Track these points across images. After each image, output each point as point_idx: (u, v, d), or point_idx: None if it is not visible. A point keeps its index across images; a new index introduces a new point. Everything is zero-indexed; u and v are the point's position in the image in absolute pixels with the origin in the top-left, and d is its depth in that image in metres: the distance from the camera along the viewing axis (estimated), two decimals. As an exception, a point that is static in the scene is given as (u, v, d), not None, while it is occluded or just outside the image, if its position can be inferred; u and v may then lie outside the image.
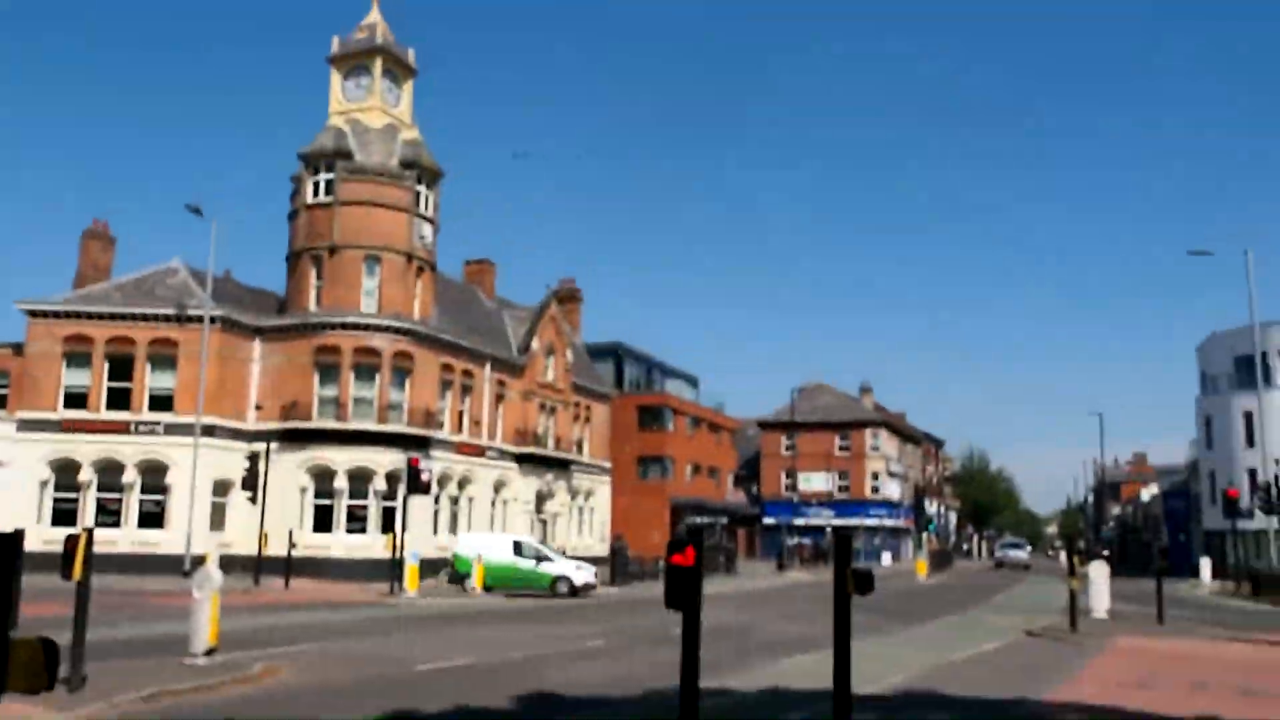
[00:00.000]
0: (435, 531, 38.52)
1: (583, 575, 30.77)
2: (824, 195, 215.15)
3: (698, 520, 61.68)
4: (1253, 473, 47.98)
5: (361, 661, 13.69)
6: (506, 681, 11.91)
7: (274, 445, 33.04)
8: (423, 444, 36.49)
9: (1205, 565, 52.54)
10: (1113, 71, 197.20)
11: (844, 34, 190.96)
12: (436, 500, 38.53)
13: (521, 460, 44.67)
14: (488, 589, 29.78)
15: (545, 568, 30.67)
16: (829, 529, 68.00)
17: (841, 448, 77.70)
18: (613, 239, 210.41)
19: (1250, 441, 52.57)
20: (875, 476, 77.73)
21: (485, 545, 31.63)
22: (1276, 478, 38.95)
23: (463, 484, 40.70)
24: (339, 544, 34.95)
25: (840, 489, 77.01)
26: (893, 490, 79.52)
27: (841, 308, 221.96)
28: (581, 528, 51.05)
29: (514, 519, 44.16)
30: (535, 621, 20.77)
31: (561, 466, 47.96)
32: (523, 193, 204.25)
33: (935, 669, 14.13)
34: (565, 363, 49.00)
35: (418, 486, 28.46)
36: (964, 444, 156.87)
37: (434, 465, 35.20)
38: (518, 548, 31.74)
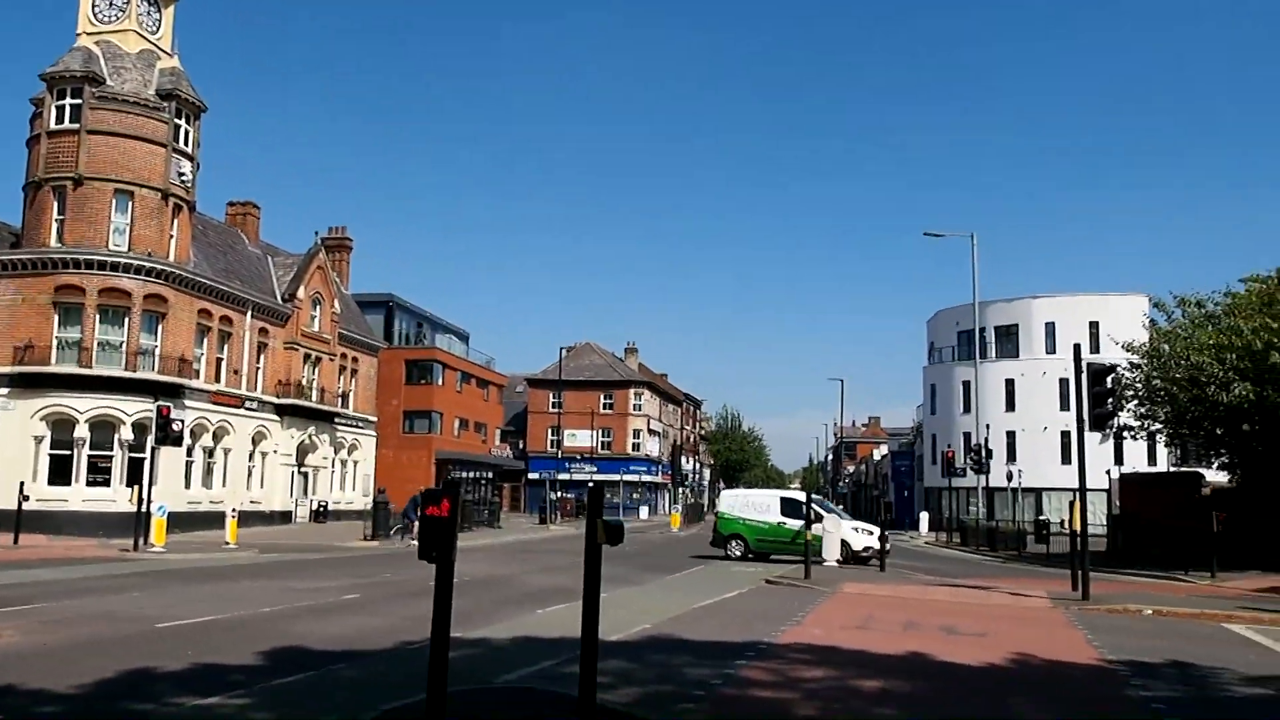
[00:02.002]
0: (188, 485, 37.02)
1: (860, 539, 27.55)
2: (597, 159, 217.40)
3: (462, 474, 61.93)
4: (968, 436, 53.21)
5: (97, 620, 13.04)
6: (253, 636, 11.70)
7: (5, 390, 30.68)
8: (175, 392, 34.88)
9: (924, 519, 58.18)
10: (884, 59, 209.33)
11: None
12: (190, 452, 37.00)
13: (283, 412, 43.44)
14: (752, 555, 27.84)
15: (815, 530, 26.53)
16: (591, 484, 70.04)
17: (606, 406, 79.85)
18: (387, 189, 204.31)
19: (967, 408, 58.31)
20: (637, 434, 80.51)
21: (748, 503, 28.55)
22: (986, 441, 43.66)
23: (219, 435, 39.20)
24: (78, 497, 32.94)
25: (603, 445, 79.27)
26: (653, 447, 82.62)
27: (612, 270, 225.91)
28: (344, 481, 50.26)
29: (273, 472, 43.00)
30: (291, 575, 20.53)
31: (325, 419, 46.95)
32: (292, 136, 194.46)
33: (680, 616, 14.98)
34: (333, 313, 47.80)
35: (168, 437, 27.28)
36: (721, 405, 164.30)
37: (187, 415, 33.77)
38: (788, 506, 28.22)
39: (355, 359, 51.42)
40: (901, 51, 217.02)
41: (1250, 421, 26.80)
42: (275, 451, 43.19)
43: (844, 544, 27.09)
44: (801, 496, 27.74)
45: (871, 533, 27.70)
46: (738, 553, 28.38)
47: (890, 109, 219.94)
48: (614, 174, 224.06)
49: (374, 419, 53.65)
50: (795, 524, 26.83)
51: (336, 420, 48.32)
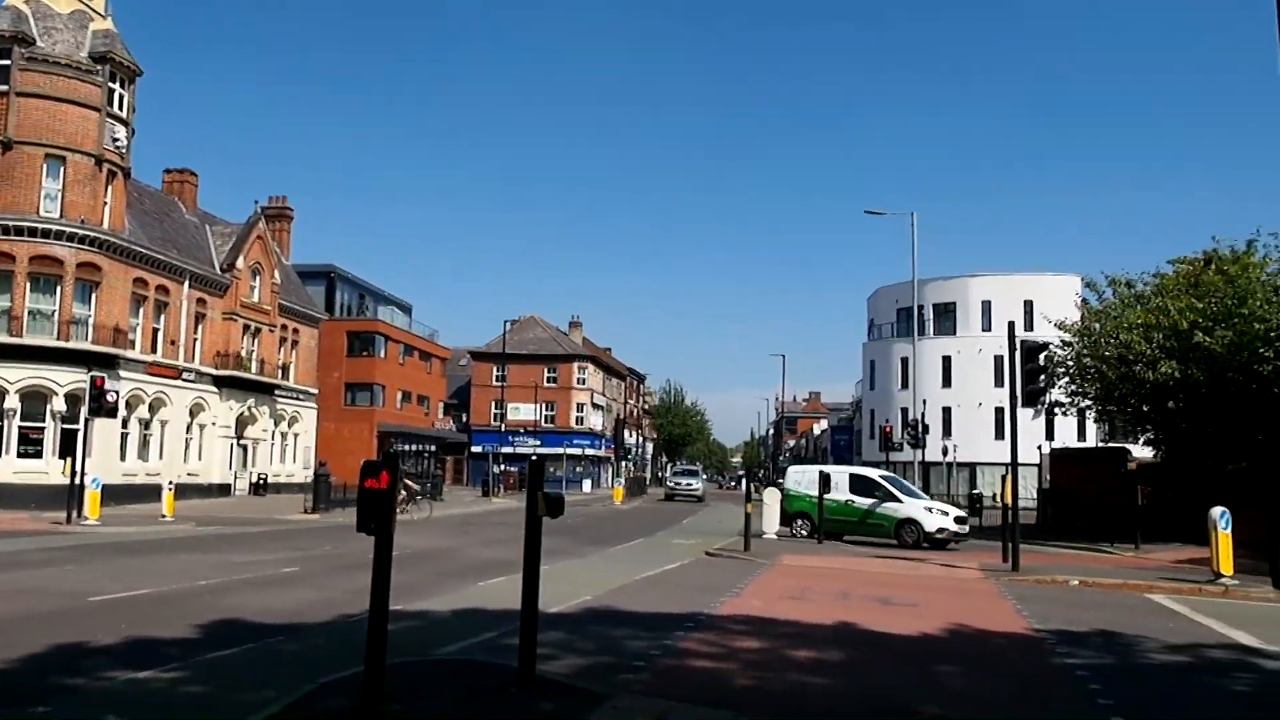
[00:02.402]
0: (123, 458, 36.38)
1: (934, 520, 25.33)
2: (543, 132, 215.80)
3: (404, 447, 61.65)
4: (905, 411, 54.12)
5: (28, 594, 12.75)
6: (189, 610, 11.57)
7: (-70, 360, 29.83)
8: (110, 363, 34.15)
9: (863, 492, 58.92)
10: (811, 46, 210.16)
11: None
12: (125, 424, 36.33)
13: (221, 384, 42.78)
14: (813, 533, 25.99)
15: (888, 509, 25.77)
16: (534, 457, 70.06)
17: (550, 379, 79.77)
18: (329, 159, 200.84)
19: (905, 384, 59.33)
20: (581, 408, 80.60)
21: (816, 480, 26.35)
22: (923, 416, 44.47)
23: (155, 407, 38.51)
24: (9, 469, 32.21)
25: (547, 419, 79.26)
26: (596, 421, 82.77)
27: (558, 245, 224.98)
28: (285, 454, 49.70)
29: (212, 445, 42.42)
30: (228, 549, 20.34)
31: (265, 391, 46.32)
32: (232, 103, 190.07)
33: (622, 588, 15.13)
34: (272, 283, 47.04)
35: (102, 408, 26.76)
36: (664, 380, 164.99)
37: (122, 386, 33.11)
38: (857, 483, 26.67)
39: (296, 330, 50.71)
40: (845, 28, 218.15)
41: (1175, 399, 27.61)
42: (214, 424, 42.55)
43: (914, 525, 25.25)
44: (872, 473, 26.33)
45: (947, 513, 25.31)
46: (804, 532, 26.59)
47: (835, 87, 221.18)
48: (560, 148, 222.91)
49: (315, 391, 53.04)
50: (864, 502, 26.00)
51: (277, 392, 47.69)
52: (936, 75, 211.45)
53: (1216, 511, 17.75)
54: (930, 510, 25.81)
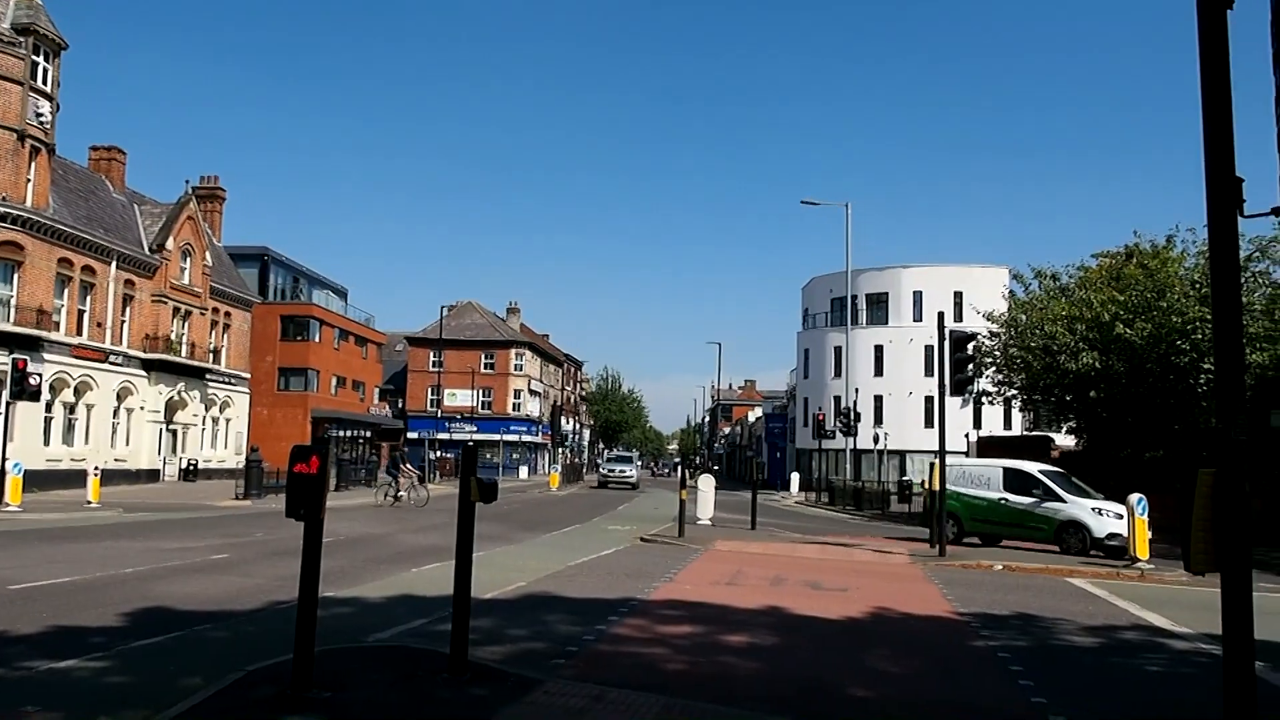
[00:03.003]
0: (47, 442, 35.48)
1: (1105, 524, 21.52)
2: (481, 117, 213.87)
3: (339, 433, 60.99)
4: (838, 399, 54.96)
5: None
6: (115, 598, 11.36)
7: None
8: (33, 345, 33.30)
9: (795, 479, 59.87)
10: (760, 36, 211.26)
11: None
12: (49, 408, 35.43)
13: (150, 367, 41.89)
14: (961, 536, 23.39)
15: (1049, 509, 22.40)
16: (470, 443, 69.83)
17: (487, 365, 79.40)
18: (263, 140, 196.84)
19: (838, 372, 60.18)
20: (518, 394, 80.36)
21: (963, 475, 23.83)
22: (855, 404, 45.18)
23: (81, 391, 37.60)
24: (-78, 454, 31.22)
25: (484, 405, 78.91)
26: (533, 408, 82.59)
27: (496, 230, 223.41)
28: (216, 440, 48.84)
29: (140, 429, 41.52)
30: (157, 536, 19.94)
31: (196, 375, 45.45)
32: (163, 81, 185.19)
33: (557, 573, 15.14)
34: (204, 265, 46.11)
35: (24, 392, 26.04)
36: (602, 366, 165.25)
37: (45, 369, 32.34)
38: (1012, 479, 23.31)
39: (228, 313, 49.79)
40: (783, 14, 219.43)
41: (1096, 388, 28.44)
42: (142, 408, 41.64)
43: (1080, 529, 21.85)
44: (1031, 467, 23.59)
45: (1121, 515, 20.86)
46: (951, 534, 22.44)
47: (775, 73, 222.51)
48: (499, 133, 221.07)
49: (247, 376, 52.15)
50: (1021, 501, 22.85)
51: (208, 376, 46.79)
52: (880, 68, 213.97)
53: (1134, 498, 18.40)
54: (1100, 512, 21.98)
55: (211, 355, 47.19)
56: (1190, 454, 23.47)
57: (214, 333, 48.05)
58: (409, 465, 35.52)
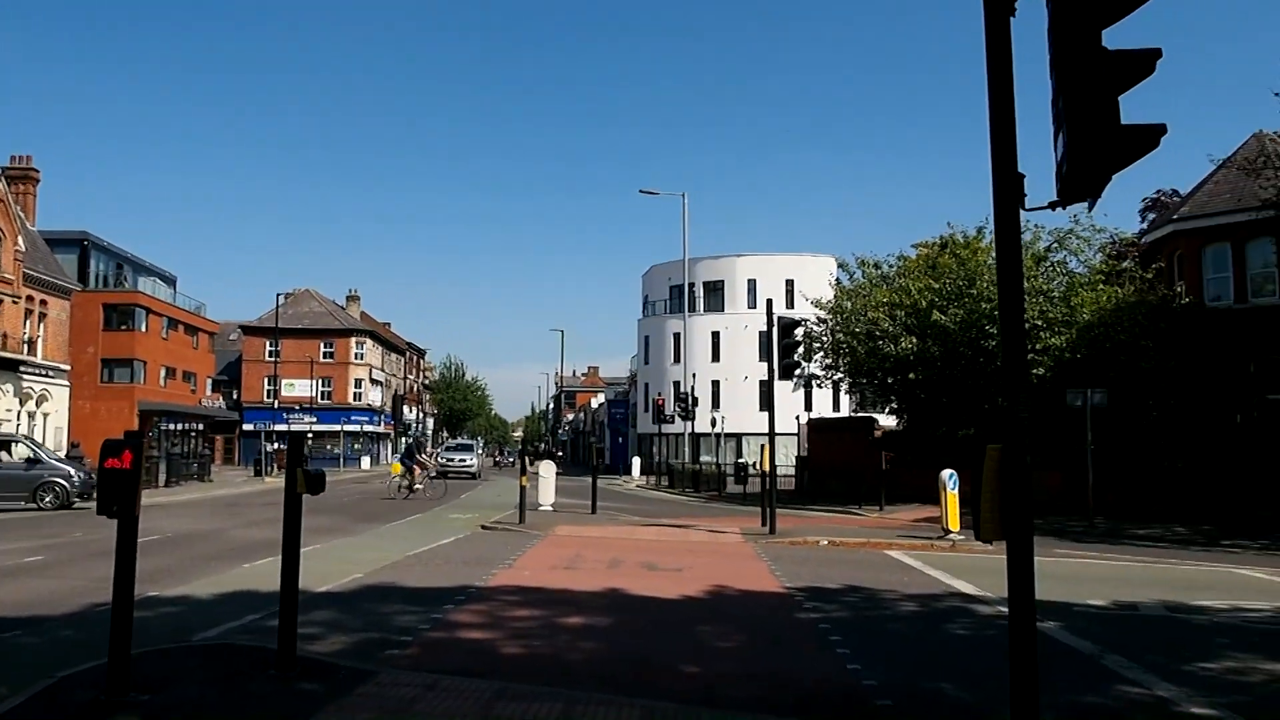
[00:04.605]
0: None
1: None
2: (319, 96, 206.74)
3: (170, 425, 58.39)
4: (677, 385, 55.94)
5: None
6: None
7: None
8: None
9: (636, 463, 60.72)
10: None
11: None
12: None
13: (-45, 360, 38.97)
14: None
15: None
16: (310, 434, 67.81)
17: (326, 355, 77.27)
18: (82, 120, 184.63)
19: (678, 358, 61.27)
20: (359, 384, 78.51)
21: None
22: (693, 389, 46.21)
23: (-128, 387, 34.63)
24: None
25: (324, 395, 76.79)
26: (375, 397, 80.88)
27: (333, 215, 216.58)
28: (33, 436, 45.82)
29: (-60, 427, 38.59)
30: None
31: (9, 368, 42.58)
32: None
33: (395, 564, 15.02)
34: (15, 250, 43.08)
35: None
36: (445, 355, 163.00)
37: None
38: None
39: (44, 302, 46.73)
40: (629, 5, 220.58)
41: (915, 371, 30.01)
42: (-56, 404, 38.73)
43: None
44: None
45: None
46: None
47: (613, 62, 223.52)
48: (336, 114, 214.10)
49: (67, 367, 49.14)
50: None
51: (22, 369, 43.86)
52: (706, 61, 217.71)
53: (946, 474, 19.62)
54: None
55: (26, 346, 44.25)
56: (996, 432, 25.14)
57: (28, 322, 45.06)
58: (424, 456, 33.94)
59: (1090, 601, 12.19)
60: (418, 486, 31.82)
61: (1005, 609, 11.27)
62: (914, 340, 29.23)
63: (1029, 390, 5.37)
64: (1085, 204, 5.24)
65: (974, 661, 8.95)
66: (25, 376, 44.48)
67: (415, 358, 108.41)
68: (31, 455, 27.42)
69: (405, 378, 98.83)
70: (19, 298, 43.64)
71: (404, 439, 37.58)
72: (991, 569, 14.79)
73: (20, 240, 43.68)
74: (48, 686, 6.67)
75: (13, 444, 27.92)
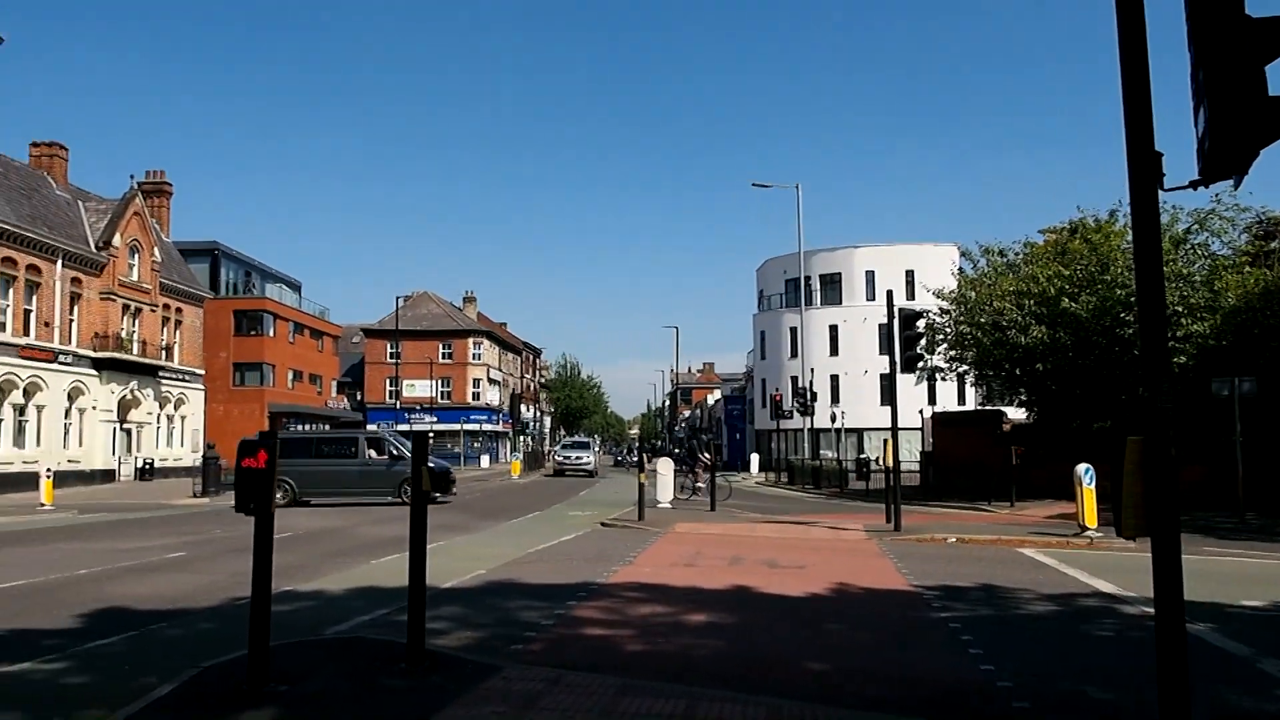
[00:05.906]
0: (-5, 445, 34.94)
1: None
2: (431, 103, 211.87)
3: (297, 427, 60.45)
4: (795, 380, 55.31)
5: None
6: (70, 599, 11.21)
7: None
8: (-23, 348, 32.68)
9: (755, 460, 60.24)
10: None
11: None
12: (-3, 410, 34.89)
13: (101, 366, 41.28)
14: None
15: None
16: (432, 434, 69.58)
17: (445, 355, 79.07)
18: (210, 135, 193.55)
19: (794, 353, 60.56)
20: (477, 383, 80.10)
21: None
22: (811, 384, 45.57)
23: (30, 392, 37.00)
24: None
25: (443, 395, 78.57)
26: (493, 396, 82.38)
27: (450, 219, 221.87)
28: (171, 438, 48.27)
29: (93, 429, 40.93)
30: (113, 536, 19.72)
31: (148, 373, 44.87)
32: (108, 75, 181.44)
33: (517, 560, 15.14)
34: (152, 261, 45.43)
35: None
36: (560, 353, 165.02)
37: (-9, 371, 31.73)
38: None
39: (179, 310, 49.14)
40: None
41: (1044, 362, 28.93)
42: (94, 408, 41.05)
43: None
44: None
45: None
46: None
47: (727, 57, 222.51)
48: (451, 120, 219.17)
49: (201, 372, 51.56)
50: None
51: (161, 374, 46.20)
52: (822, 48, 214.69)
53: (1081, 468, 18.78)
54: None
55: (164, 352, 46.58)
56: (1135, 423, 24.02)
57: (166, 329, 47.42)
58: (705, 456, 34.38)
59: (1244, 602, 11.48)
60: (700, 485, 31.95)
61: (1150, 609, 10.76)
62: (1043, 330, 28.18)
63: (1171, 380, 5.03)
64: (1229, 182, 4.88)
65: (1117, 663, 8.50)
66: (164, 381, 46.79)
67: (531, 357, 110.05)
68: (395, 453, 28.27)
69: (522, 377, 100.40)
70: (156, 306, 45.94)
71: (690, 441, 37.52)
72: (1134, 567, 14.11)
73: (156, 251, 45.97)
74: (192, 677, 6.92)
75: (382, 442, 28.78)
